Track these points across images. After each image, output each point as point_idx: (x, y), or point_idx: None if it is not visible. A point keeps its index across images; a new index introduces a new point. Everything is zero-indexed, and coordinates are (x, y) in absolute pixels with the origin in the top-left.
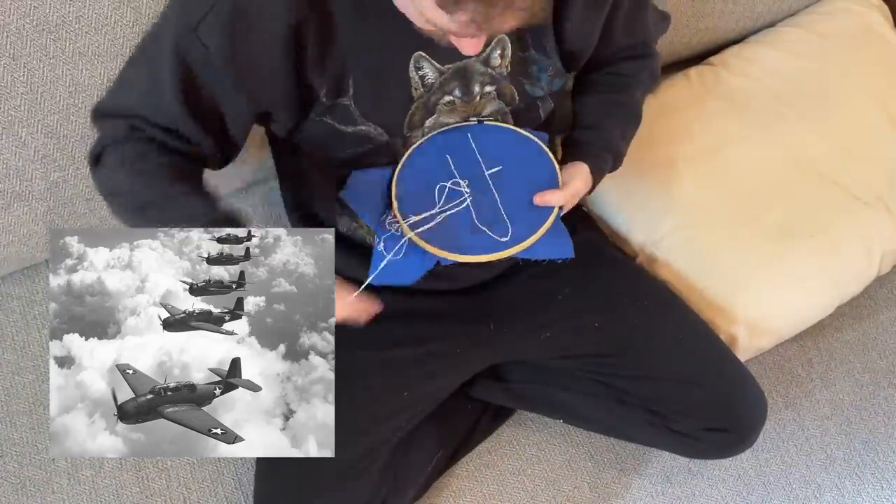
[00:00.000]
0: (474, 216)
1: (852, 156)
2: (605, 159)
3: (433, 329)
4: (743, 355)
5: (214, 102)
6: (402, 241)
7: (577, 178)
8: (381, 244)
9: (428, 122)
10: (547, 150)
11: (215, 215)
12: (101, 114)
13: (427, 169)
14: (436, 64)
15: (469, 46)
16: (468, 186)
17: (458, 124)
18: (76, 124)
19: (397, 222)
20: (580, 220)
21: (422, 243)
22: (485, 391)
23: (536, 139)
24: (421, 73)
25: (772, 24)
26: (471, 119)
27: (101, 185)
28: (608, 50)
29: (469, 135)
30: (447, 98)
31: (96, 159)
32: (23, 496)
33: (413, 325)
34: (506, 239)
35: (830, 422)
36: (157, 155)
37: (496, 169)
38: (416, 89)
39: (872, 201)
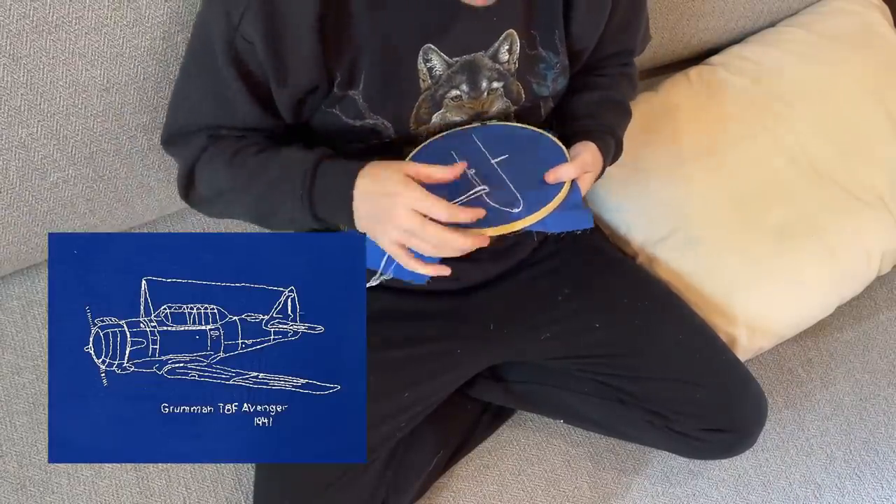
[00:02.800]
0: (486, 197)
1: (852, 156)
2: (609, 143)
3: (433, 329)
4: (743, 355)
5: (270, 97)
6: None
7: (585, 152)
8: None
9: (435, 117)
10: (550, 135)
11: (315, 157)
12: (174, 139)
13: (432, 163)
14: (444, 56)
15: None
16: (476, 175)
17: (459, 129)
18: (76, 125)
19: None
20: None
21: None
22: (485, 391)
23: (540, 130)
24: (429, 64)
25: (772, 24)
26: (477, 123)
27: (203, 195)
28: (596, 55)
29: (472, 134)
30: (454, 92)
31: (188, 181)
32: (23, 496)
33: (413, 325)
34: (518, 210)
35: (830, 422)
36: (242, 143)
37: (503, 157)
38: (423, 81)
39: (872, 201)
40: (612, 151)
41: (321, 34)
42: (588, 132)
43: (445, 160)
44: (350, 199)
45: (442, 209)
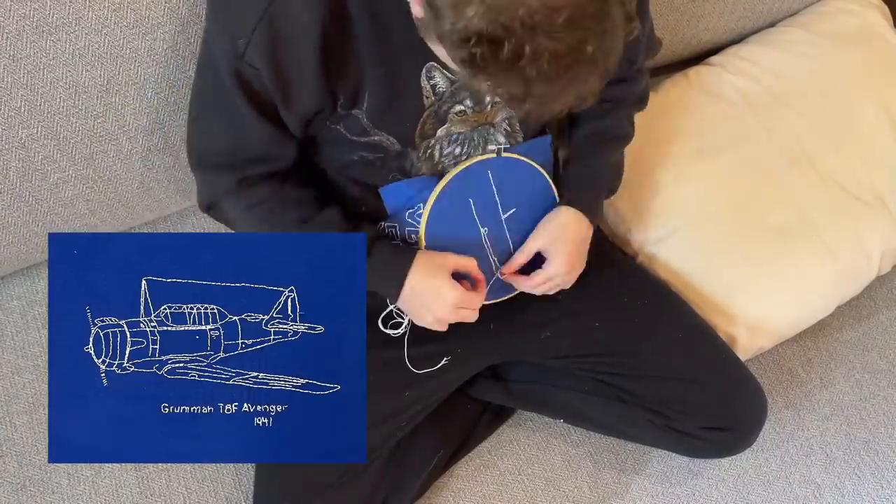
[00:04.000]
0: (492, 260)
1: (852, 156)
2: (599, 192)
3: (433, 329)
4: (743, 355)
5: (279, 115)
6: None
7: (552, 263)
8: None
9: (440, 132)
10: (552, 184)
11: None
12: (203, 164)
13: (452, 215)
14: (447, 74)
15: None
16: (488, 235)
17: (479, 158)
18: (76, 126)
19: None
20: None
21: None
22: (485, 391)
23: (545, 173)
24: (432, 82)
25: (772, 24)
26: (491, 154)
27: (226, 221)
28: None
29: (489, 172)
30: (459, 107)
31: (209, 208)
32: (23, 496)
33: (413, 326)
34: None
35: (830, 422)
36: (276, 200)
37: (511, 211)
38: (427, 98)
39: (872, 201)
40: (602, 199)
41: (324, 57)
42: (578, 190)
43: (464, 209)
44: (401, 284)
45: (478, 302)
